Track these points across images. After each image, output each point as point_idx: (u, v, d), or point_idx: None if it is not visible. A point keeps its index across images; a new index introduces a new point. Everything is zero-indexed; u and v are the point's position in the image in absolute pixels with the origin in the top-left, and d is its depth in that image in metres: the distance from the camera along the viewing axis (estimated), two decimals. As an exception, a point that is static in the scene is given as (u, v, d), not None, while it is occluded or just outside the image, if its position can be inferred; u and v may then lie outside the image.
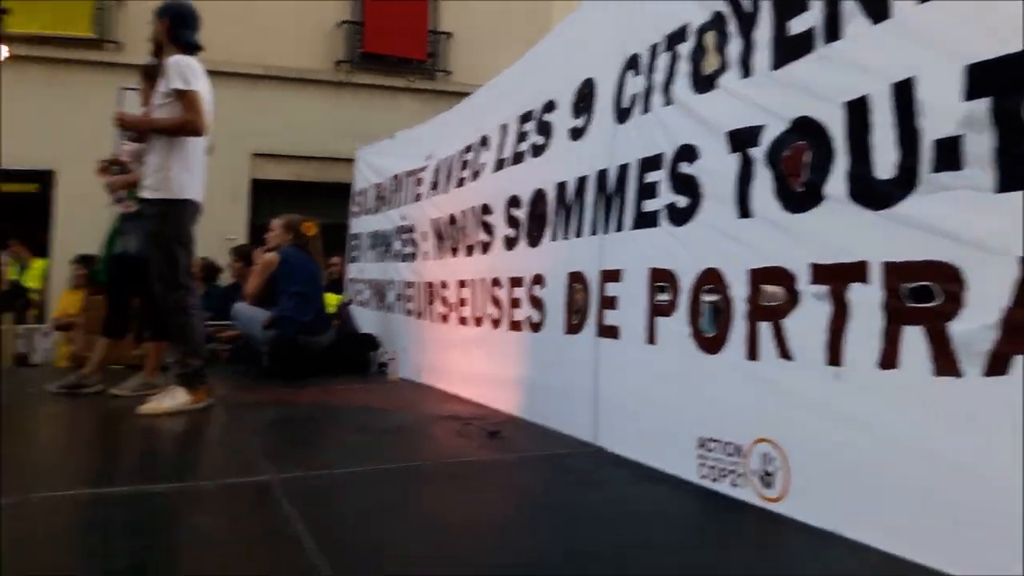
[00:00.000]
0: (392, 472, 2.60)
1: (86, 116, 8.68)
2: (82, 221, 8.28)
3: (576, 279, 3.16)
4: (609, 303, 2.91)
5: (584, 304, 3.09)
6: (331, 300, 6.05)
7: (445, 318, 4.50)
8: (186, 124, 3.61)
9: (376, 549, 1.83)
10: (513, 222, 3.77)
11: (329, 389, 4.52)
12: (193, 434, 3.36)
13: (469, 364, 4.15)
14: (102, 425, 3.60)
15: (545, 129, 3.55)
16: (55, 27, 9.39)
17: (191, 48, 3.77)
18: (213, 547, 1.88)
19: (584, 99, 3.26)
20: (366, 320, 5.88)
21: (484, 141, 4.23)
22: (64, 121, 9.04)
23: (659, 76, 2.75)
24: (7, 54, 7.60)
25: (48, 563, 1.78)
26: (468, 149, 4.45)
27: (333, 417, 3.80)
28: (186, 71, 3.61)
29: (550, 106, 3.53)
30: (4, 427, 3.68)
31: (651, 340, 2.64)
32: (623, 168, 2.88)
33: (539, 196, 3.52)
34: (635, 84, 2.91)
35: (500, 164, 3.99)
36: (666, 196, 2.63)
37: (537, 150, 3.60)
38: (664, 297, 2.60)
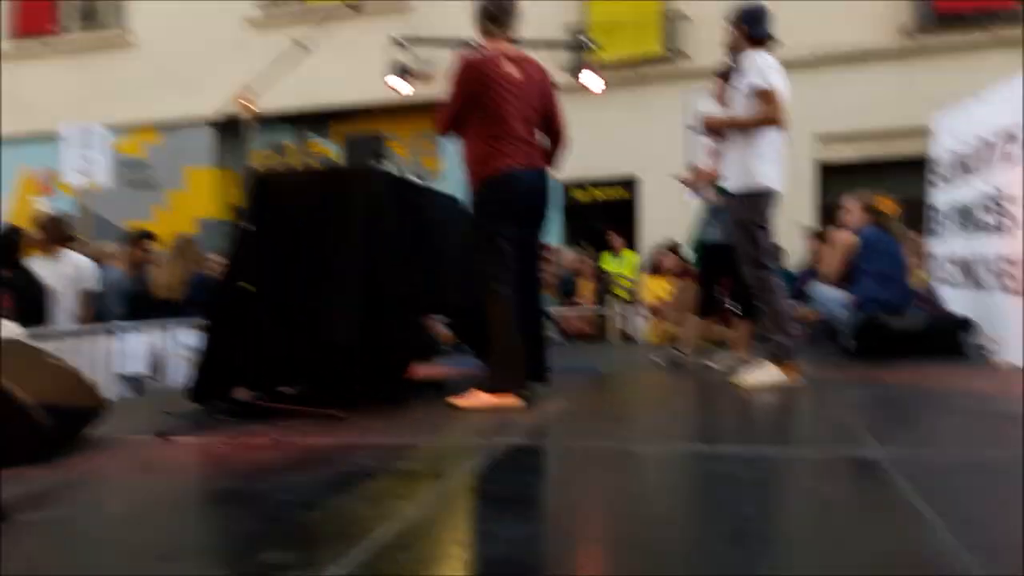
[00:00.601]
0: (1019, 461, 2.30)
1: (661, 125, 9.71)
2: (662, 217, 9.31)
3: None
4: None
5: None
6: (919, 278, 5.65)
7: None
8: (765, 119, 3.81)
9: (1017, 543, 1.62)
10: None
11: (920, 371, 4.22)
12: (786, 406, 3.50)
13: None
14: (700, 393, 4.00)
15: None
16: (632, 51, 10.72)
17: (765, 43, 3.94)
18: (831, 512, 1.91)
19: None
20: (955, 300, 5.30)
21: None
22: (643, 132, 10.25)
23: None
24: (603, 86, 8.96)
25: (667, 511, 2.02)
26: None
27: (931, 399, 3.54)
28: (763, 68, 3.81)
29: None
30: (622, 389, 4.36)
31: None
32: None
33: None
34: None
35: None
36: None
37: None
38: None
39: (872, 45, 9.96)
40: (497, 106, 3.44)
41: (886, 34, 10.00)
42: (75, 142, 6.85)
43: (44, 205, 7.91)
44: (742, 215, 3.91)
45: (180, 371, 4.38)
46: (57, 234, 5.06)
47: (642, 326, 7.65)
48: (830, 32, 9.86)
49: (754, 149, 3.86)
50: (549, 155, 3.70)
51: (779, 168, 3.94)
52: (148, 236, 6.22)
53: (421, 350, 4.36)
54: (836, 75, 9.79)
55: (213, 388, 3.41)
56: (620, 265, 8.63)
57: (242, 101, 4.34)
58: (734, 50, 4.06)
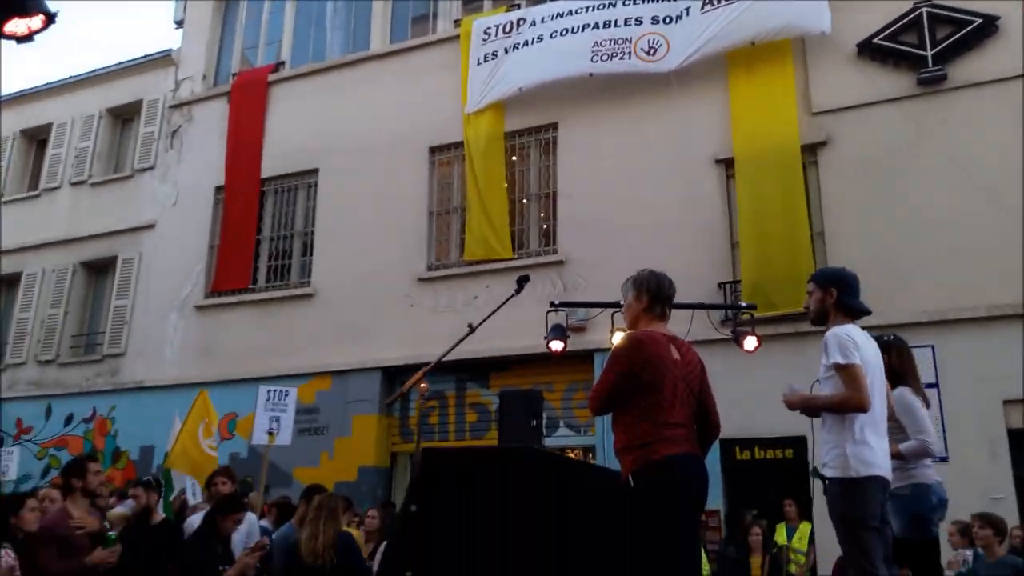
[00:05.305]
0: None
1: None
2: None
3: None
4: None
5: None
6: None
7: None
8: (847, 400, 3.53)
9: None
10: None
11: None
12: None
13: None
14: None
15: None
16: (787, 307, 10.46)
17: (858, 314, 3.77)
18: None
19: None
20: None
21: None
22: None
23: None
24: (757, 345, 8.73)
25: None
26: None
27: None
28: (845, 344, 3.58)
29: None
30: None
31: None
32: None
33: None
34: None
35: None
36: None
37: None
38: None
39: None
40: (661, 389, 3.37)
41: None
42: (268, 404, 7.35)
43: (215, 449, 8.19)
44: (843, 511, 3.51)
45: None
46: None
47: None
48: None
49: (847, 433, 3.53)
50: (703, 442, 3.59)
51: (885, 451, 3.59)
52: (319, 490, 5.66)
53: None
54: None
55: None
56: (795, 538, 7.86)
57: (419, 384, 4.45)
58: (821, 315, 3.85)
